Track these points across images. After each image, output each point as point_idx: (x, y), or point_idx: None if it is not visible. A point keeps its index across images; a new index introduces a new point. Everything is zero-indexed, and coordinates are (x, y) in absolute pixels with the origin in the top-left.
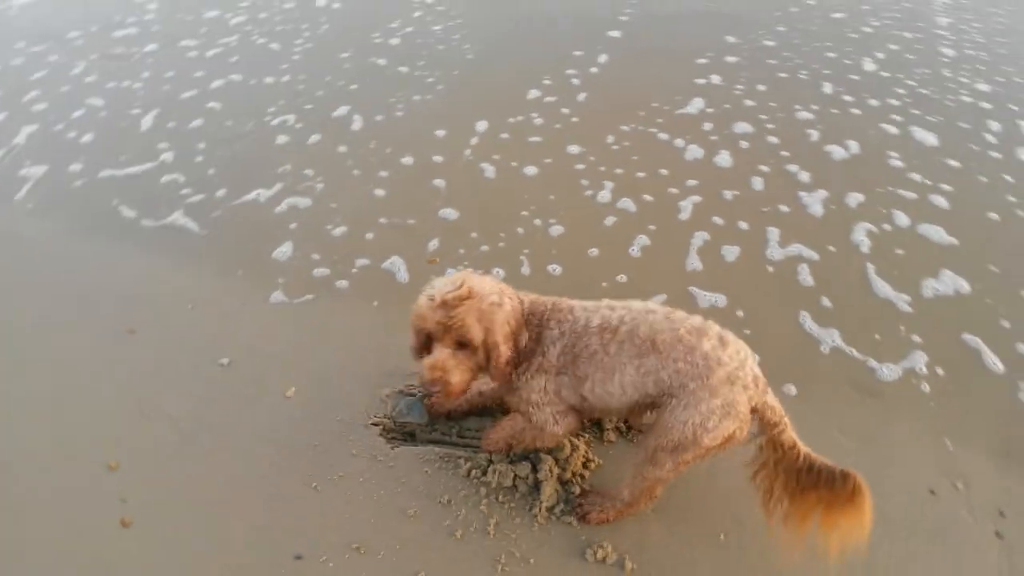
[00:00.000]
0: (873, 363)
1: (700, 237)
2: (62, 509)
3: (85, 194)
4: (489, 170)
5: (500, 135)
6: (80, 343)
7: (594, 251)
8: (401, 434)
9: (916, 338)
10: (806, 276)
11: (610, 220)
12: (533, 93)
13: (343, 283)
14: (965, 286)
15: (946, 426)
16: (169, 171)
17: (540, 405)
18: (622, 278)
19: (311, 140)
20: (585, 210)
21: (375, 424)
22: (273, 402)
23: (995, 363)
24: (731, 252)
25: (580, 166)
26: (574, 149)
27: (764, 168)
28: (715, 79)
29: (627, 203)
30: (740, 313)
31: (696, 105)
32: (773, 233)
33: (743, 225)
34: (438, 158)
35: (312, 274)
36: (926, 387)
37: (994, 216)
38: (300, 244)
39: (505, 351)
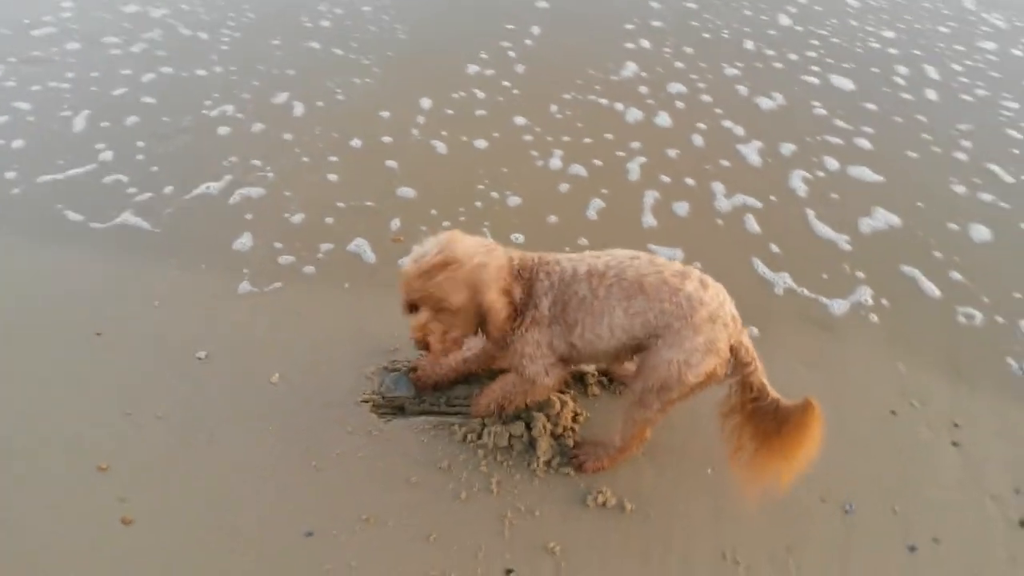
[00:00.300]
0: (824, 300)
1: (651, 196)
2: (60, 516)
3: (26, 201)
4: (440, 146)
5: (445, 111)
6: (49, 353)
7: (553, 218)
8: (391, 408)
9: (860, 274)
10: (753, 224)
11: (564, 187)
12: (472, 68)
13: (310, 269)
14: (896, 221)
15: (897, 351)
16: (111, 171)
17: (533, 358)
18: (583, 241)
19: (255, 129)
20: (538, 179)
21: (365, 401)
22: (259, 390)
23: (932, 290)
24: (681, 208)
25: (528, 137)
26: (520, 120)
27: (701, 126)
28: (644, 43)
29: (578, 169)
30: (698, 264)
31: (630, 69)
32: (718, 187)
33: (689, 181)
34: (387, 139)
35: (277, 262)
36: (874, 317)
37: (913, 155)
38: (260, 234)
39: (501, 308)
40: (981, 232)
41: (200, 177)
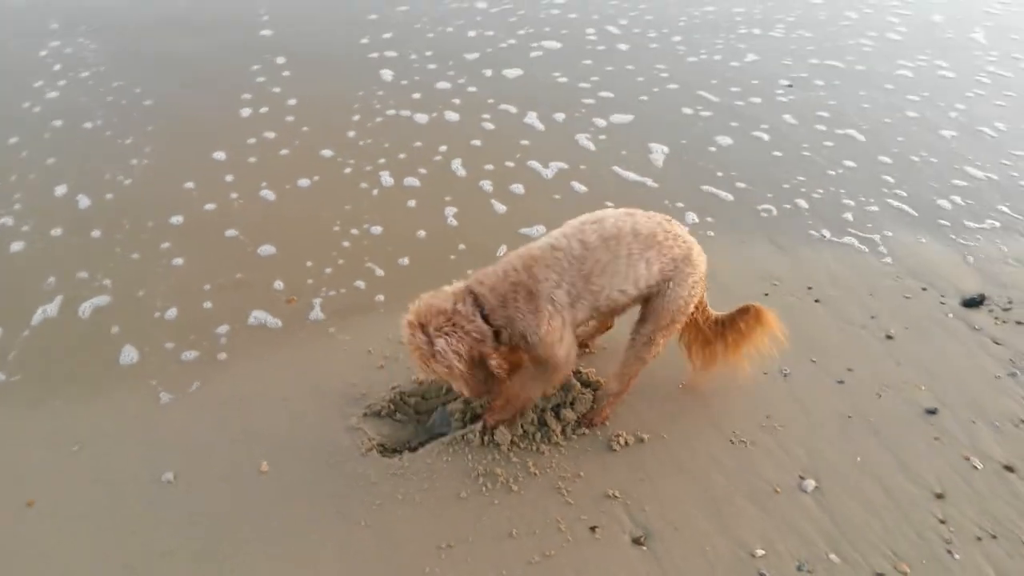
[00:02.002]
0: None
1: (485, 185)
2: None
3: None
4: (268, 195)
5: (248, 160)
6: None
7: (421, 232)
8: (396, 446)
9: (679, 204)
10: (578, 186)
11: (411, 203)
12: (245, 111)
13: (223, 355)
14: (667, 149)
15: (740, 249)
16: None
17: (560, 343)
18: (462, 247)
19: (54, 235)
20: (384, 203)
21: (370, 450)
22: (254, 485)
23: (729, 197)
24: (518, 188)
25: (348, 170)
26: (327, 152)
27: (486, 115)
28: (389, 53)
29: (412, 181)
30: None
31: (387, 76)
32: (534, 162)
33: (509, 164)
34: (210, 206)
35: (181, 360)
36: (711, 232)
37: (644, 97)
38: (141, 342)
39: (467, 377)
40: (726, 140)
41: (25, 308)
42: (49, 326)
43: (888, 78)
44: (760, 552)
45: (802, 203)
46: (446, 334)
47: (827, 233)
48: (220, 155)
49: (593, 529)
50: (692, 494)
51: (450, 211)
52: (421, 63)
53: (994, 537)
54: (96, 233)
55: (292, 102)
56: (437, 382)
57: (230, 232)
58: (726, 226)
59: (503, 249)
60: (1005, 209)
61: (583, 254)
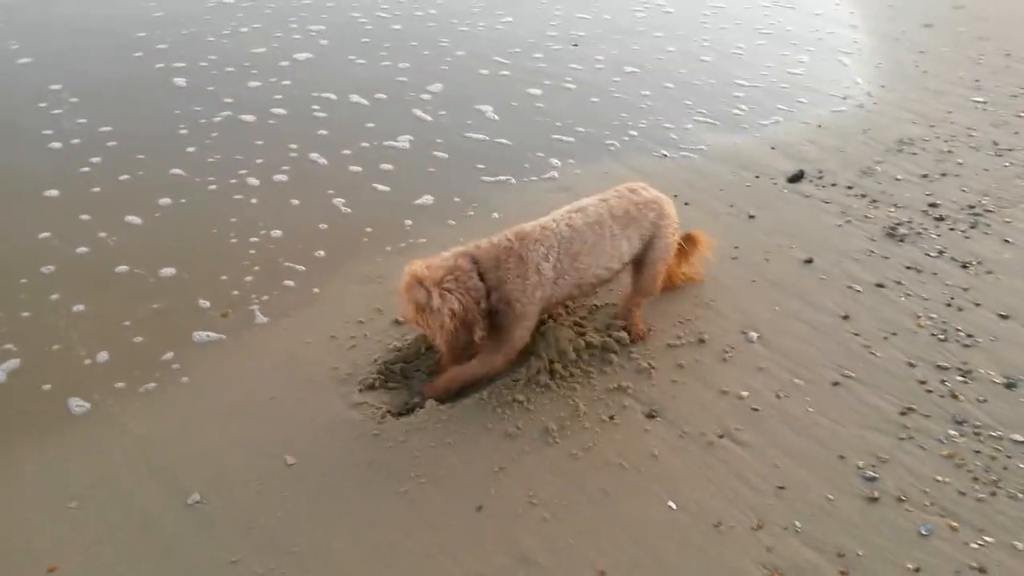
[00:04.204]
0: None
1: (355, 168)
2: None
3: None
4: (135, 220)
5: (91, 190)
6: None
7: (323, 225)
8: (406, 410)
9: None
10: (441, 153)
11: (295, 201)
12: (55, 145)
13: (184, 379)
14: (492, 111)
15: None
16: None
17: (523, 321)
18: (369, 229)
19: None
20: (268, 207)
21: (384, 417)
22: (289, 477)
23: (572, 139)
24: (387, 166)
25: (212, 187)
26: (178, 171)
27: (315, 106)
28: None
29: (282, 178)
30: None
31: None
32: (388, 140)
33: (364, 144)
34: (82, 249)
35: (141, 393)
36: (577, 171)
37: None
38: (84, 391)
39: (452, 338)
40: (538, 93)
41: None
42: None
43: (631, 32)
44: (744, 393)
45: (634, 133)
46: (447, 291)
47: (665, 152)
48: (53, 192)
49: (611, 418)
50: (671, 373)
51: (339, 201)
52: (216, 68)
53: (894, 334)
54: None
55: (106, 128)
56: (418, 339)
57: (120, 268)
58: (587, 162)
59: (409, 223)
60: (781, 107)
61: (571, 235)
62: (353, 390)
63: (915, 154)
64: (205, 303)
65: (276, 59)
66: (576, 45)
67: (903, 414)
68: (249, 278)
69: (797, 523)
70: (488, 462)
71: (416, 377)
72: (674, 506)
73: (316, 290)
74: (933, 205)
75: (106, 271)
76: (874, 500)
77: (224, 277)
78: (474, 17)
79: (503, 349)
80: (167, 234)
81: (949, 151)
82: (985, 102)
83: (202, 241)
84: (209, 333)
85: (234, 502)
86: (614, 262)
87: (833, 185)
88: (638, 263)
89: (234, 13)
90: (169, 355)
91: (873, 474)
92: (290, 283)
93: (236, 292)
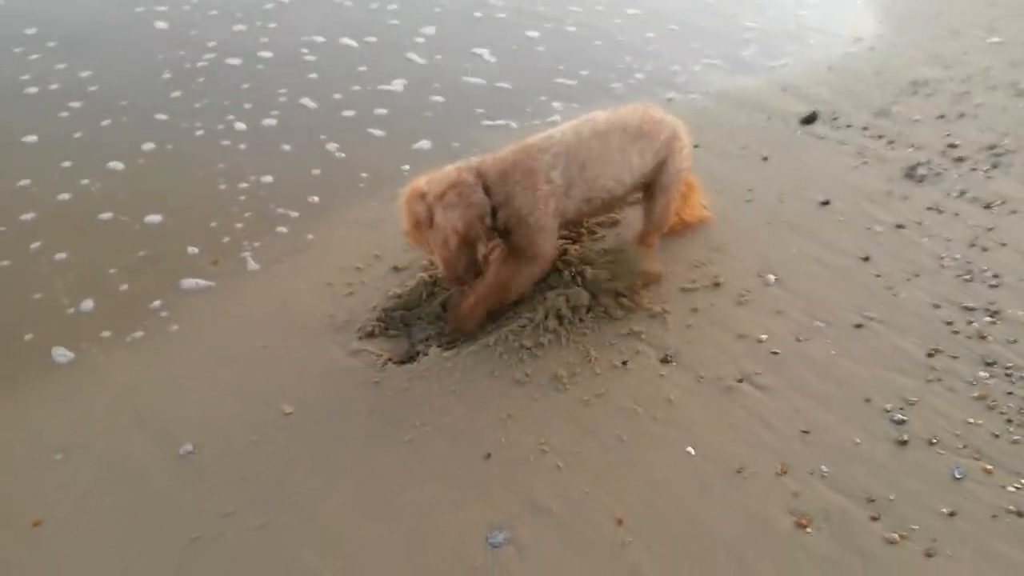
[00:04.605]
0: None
1: (348, 113)
2: None
3: None
4: (118, 166)
5: (73, 136)
6: None
7: (316, 171)
8: (408, 358)
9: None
10: (438, 97)
11: (286, 147)
12: (31, 90)
13: (173, 327)
14: (490, 54)
15: None
16: None
17: (545, 232)
18: (364, 175)
19: None
20: (257, 153)
21: (385, 364)
22: (287, 426)
23: (574, 82)
24: (381, 111)
25: (199, 132)
26: (162, 116)
27: (303, 49)
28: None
29: (271, 123)
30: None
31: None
32: (381, 84)
33: (356, 88)
34: (64, 196)
35: (128, 342)
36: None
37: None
38: (68, 340)
39: (452, 257)
40: (537, 36)
41: None
42: None
43: None
44: (763, 336)
45: (640, 76)
46: (449, 206)
47: (674, 95)
48: (31, 138)
49: (624, 363)
50: (686, 317)
51: (332, 146)
52: (199, 11)
53: (917, 276)
54: None
55: (86, 73)
56: (419, 284)
57: (104, 215)
58: (591, 106)
59: (407, 168)
60: (791, 49)
61: (578, 144)
62: (351, 338)
63: (931, 95)
64: (194, 250)
65: (261, 2)
66: None
67: (930, 356)
68: (239, 224)
69: (824, 468)
70: (496, 410)
71: (417, 325)
72: (693, 452)
73: (310, 236)
74: (952, 146)
75: (89, 218)
76: (903, 443)
77: (213, 224)
78: None
79: (537, 260)
80: (153, 180)
81: (966, 92)
82: (1002, 42)
83: (190, 187)
84: (198, 280)
85: (228, 452)
86: (624, 174)
87: (848, 126)
88: (649, 191)
89: None
90: (157, 303)
91: (902, 416)
92: (283, 229)
93: (226, 239)
